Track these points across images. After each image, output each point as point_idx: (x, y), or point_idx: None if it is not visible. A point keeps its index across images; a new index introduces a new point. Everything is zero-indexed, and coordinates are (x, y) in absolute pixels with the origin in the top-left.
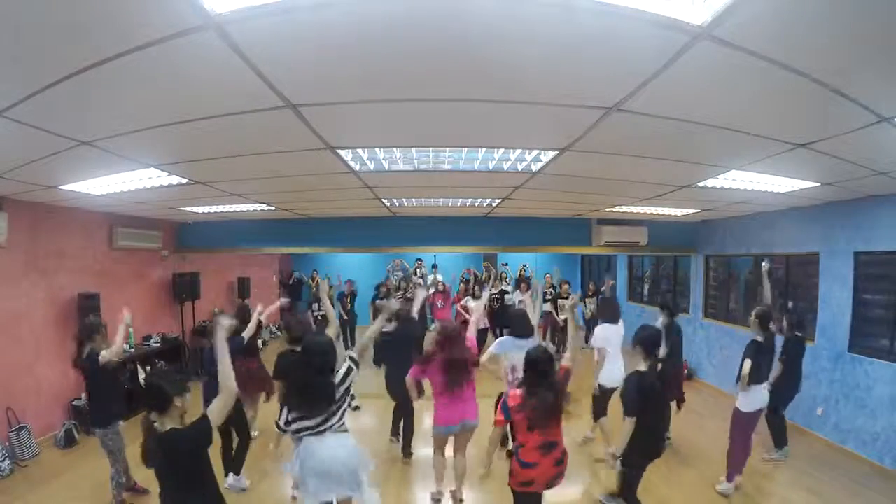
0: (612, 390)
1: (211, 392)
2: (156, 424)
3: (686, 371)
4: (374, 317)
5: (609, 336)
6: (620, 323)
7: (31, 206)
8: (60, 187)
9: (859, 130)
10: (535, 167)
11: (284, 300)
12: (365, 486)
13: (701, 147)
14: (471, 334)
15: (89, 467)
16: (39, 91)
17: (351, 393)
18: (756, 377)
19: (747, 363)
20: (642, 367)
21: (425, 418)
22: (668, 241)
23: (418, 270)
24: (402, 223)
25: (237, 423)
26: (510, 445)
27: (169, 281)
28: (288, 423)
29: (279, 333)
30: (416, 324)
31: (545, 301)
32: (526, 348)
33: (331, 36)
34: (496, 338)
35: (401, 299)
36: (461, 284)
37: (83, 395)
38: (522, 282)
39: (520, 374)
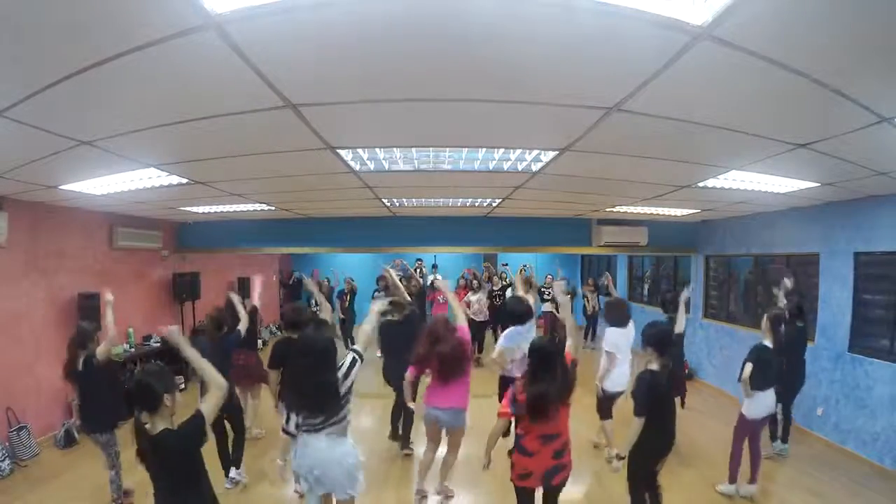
0: (617, 394)
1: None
2: (147, 426)
3: (686, 371)
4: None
5: (618, 342)
6: (630, 325)
7: (31, 206)
8: (60, 187)
9: (859, 131)
10: (535, 167)
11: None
12: (359, 486)
13: (701, 147)
14: (462, 323)
15: (89, 467)
16: (39, 91)
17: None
18: (760, 383)
19: (748, 367)
20: (654, 365)
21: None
22: (669, 241)
23: (418, 270)
24: (402, 223)
25: (233, 419)
26: (510, 446)
27: (169, 281)
28: (298, 426)
29: (279, 333)
30: (421, 317)
31: (544, 301)
32: (531, 337)
33: (331, 35)
34: (495, 332)
35: (381, 295)
36: (460, 280)
37: (75, 402)
38: (524, 283)
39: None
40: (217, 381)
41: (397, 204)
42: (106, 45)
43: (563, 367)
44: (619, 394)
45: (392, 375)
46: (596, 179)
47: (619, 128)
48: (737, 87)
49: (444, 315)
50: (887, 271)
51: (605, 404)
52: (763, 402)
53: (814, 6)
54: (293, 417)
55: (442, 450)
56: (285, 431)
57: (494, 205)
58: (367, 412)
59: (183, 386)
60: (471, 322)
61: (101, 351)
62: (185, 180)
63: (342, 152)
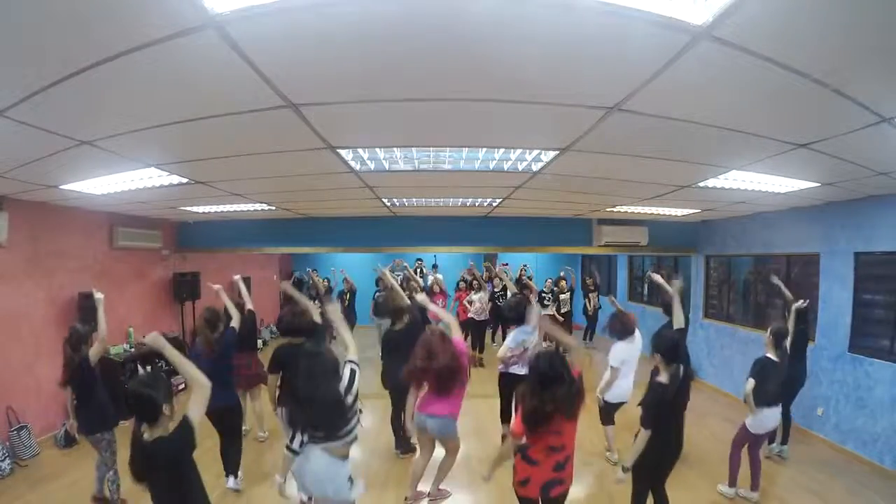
0: (619, 405)
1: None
2: (145, 436)
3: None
4: (375, 312)
5: (623, 357)
6: (637, 337)
7: (31, 205)
8: (60, 187)
9: (860, 131)
10: (535, 167)
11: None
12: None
13: (701, 147)
14: (457, 335)
15: (89, 467)
16: (40, 91)
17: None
18: (763, 398)
19: (750, 382)
20: (664, 377)
21: None
22: (669, 241)
23: (418, 270)
24: (403, 223)
25: (231, 424)
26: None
27: (169, 280)
28: (302, 444)
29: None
30: (422, 322)
31: (545, 305)
32: (534, 333)
33: (331, 35)
34: (493, 333)
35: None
36: (460, 283)
37: (71, 404)
38: (525, 287)
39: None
40: (199, 381)
41: (397, 204)
42: (106, 44)
43: (571, 380)
44: (621, 404)
45: (391, 383)
46: (596, 179)
47: (620, 128)
48: (737, 87)
49: (440, 327)
50: (887, 271)
51: (607, 412)
52: (768, 418)
53: (813, 6)
54: (298, 436)
55: (439, 454)
56: (289, 449)
57: (495, 205)
58: (368, 412)
59: (183, 386)
60: (472, 321)
61: (93, 353)
62: (185, 180)
63: (342, 152)
